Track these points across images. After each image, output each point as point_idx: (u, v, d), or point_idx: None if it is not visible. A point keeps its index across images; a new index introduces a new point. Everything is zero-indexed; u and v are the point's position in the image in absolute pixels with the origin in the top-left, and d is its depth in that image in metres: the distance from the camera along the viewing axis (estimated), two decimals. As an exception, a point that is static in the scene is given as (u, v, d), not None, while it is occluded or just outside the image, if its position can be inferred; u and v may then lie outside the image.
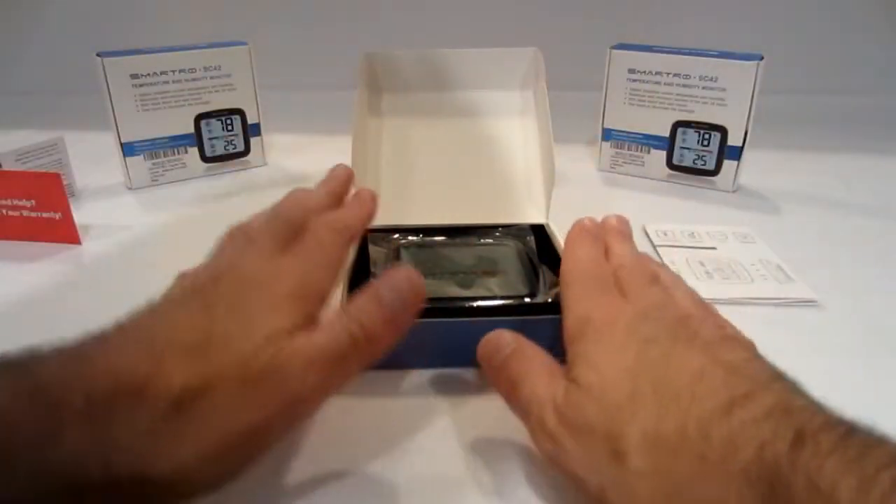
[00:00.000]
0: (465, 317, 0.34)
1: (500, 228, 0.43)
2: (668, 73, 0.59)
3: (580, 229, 0.34)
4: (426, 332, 0.34)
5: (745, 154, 0.59)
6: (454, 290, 0.36)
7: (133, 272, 0.44)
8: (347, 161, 0.40)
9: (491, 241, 0.42)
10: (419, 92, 0.54)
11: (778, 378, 0.24)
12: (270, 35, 0.79)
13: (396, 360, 0.34)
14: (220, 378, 0.22)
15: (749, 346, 0.26)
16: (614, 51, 0.61)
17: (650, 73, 0.60)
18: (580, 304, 0.29)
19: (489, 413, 0.32)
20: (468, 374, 0.35)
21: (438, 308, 0.34)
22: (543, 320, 0.33)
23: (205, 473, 0.22)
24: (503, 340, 0.29)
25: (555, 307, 0.32)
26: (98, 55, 0.56)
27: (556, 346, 0.31)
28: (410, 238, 0.41)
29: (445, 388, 0.34)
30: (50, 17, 0.97)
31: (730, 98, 0.57)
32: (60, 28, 0.97)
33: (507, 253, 0.40)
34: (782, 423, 0.21)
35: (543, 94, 0.50)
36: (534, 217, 0.47)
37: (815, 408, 0.22)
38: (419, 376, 0.35)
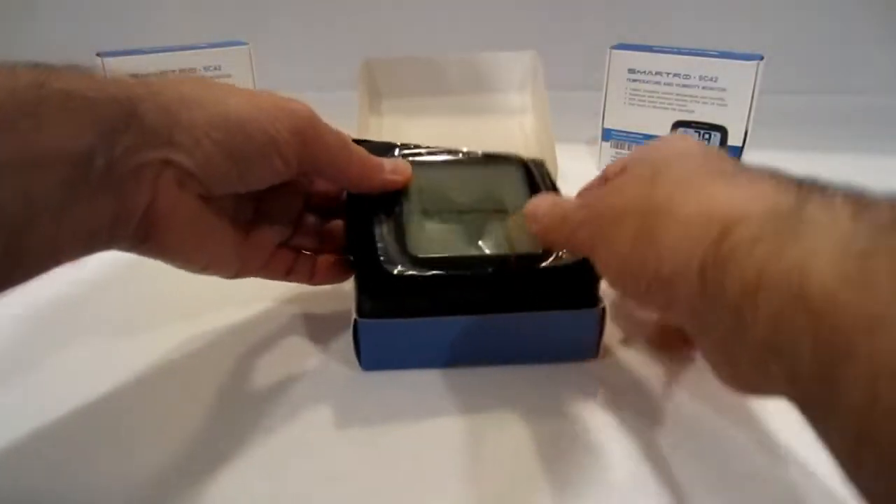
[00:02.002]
0: (485, 284, 0.33)
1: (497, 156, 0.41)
2: (668, 73, 0.59)
3: None
4: (441, 329, 0.34)
5: (745, 154, 0.59)
6: (472, 249, 0.34)
7: (133, 272, 0.44)
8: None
9: (494, 166, 0.39)
10: (418, 96, 0.54)
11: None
12: (270, 35, 0.79)
13: (411, 359, 0.35)
14: None
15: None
16: (614, 51, 0.61)
17: (650, 73, 0.60)
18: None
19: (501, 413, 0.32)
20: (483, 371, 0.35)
21: (459, 276, 0.33)
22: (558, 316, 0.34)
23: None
24: (539, 211, 0.30)
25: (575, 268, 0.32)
26: (98, 55, 0.56)
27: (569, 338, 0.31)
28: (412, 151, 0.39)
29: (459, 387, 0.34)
30: (50, 18, 0.97)
31: (730, 98, 0.57)
32: (60, 28, 0.97)
33: (515, 185, 0.38)
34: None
35: (543, 95, 0.50)
36: None
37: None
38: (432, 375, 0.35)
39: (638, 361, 0.36)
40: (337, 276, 0.37)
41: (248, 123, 0.29)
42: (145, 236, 0.28)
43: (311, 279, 0.37)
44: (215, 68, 0.61)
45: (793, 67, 0.76)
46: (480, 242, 0.34)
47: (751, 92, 0.56)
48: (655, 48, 0.60)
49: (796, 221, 0.19)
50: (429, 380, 0.34)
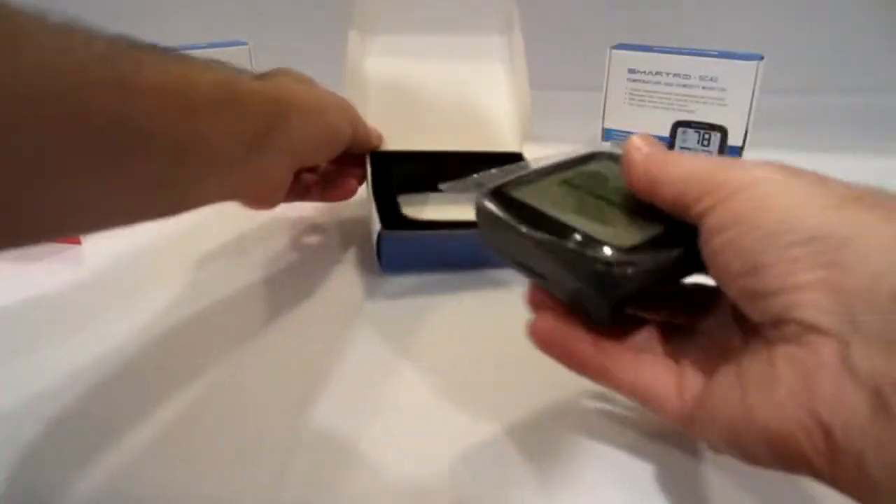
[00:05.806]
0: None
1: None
2: (668, 73, 0.59)
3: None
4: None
5: (745, 154, 0.59)
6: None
7: (133, 272, 0.44)
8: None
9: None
10: (407, 34, 0.56)
11: None
12: (270, 35, 0.79)
13: (426, 263, 0.42)
14: None
15: None
16: (614, 51, 0.61)
17: (650, 73, 0.60)
18: None
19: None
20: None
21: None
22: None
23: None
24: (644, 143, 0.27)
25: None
26: (98, 55, 0.56)
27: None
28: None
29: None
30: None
31: (730, 98, 0.57)
32: (60, 28, 0.97)
33: None
34: None
35: (518, 38, 0.52)
36: (510, 146, 0.50)
37: None
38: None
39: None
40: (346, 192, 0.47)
41: (335, 127, 0.40)
42: (256, 195, 0.38)
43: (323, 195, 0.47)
44: (215, 68, 0.61)
45: (793, 67, 0.76)
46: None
47: (751, 92, 0.56)
48: (655, 48, 0.61)
49: None
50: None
